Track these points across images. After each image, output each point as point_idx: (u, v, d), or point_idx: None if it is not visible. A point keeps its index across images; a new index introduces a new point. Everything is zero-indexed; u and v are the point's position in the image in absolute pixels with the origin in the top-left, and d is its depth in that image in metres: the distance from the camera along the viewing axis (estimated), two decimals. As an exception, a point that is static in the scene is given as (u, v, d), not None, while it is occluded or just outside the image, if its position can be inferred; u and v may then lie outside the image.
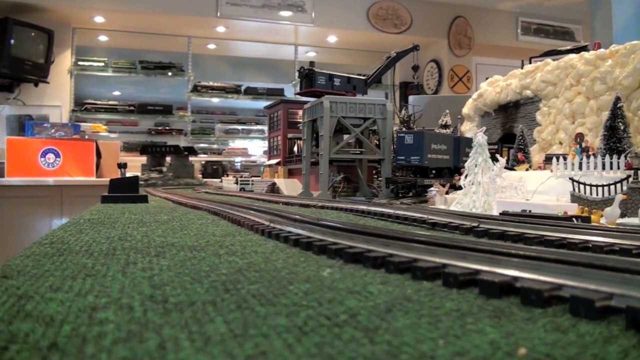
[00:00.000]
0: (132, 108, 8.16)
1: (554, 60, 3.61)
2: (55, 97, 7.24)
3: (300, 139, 4.38)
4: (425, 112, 4.49)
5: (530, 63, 4.00)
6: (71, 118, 7.44)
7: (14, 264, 0.94)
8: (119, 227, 1.60)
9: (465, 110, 4.46)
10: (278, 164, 5.01)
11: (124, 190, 2.90)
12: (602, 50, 3.22)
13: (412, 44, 4.13)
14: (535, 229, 1.30)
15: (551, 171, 2.51)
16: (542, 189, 2.43)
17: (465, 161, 2.47)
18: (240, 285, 0.78)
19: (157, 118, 8.41)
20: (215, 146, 9.02)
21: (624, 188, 2.03)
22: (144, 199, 2.88)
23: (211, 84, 8.36)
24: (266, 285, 0.78)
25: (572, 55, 3.43)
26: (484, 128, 2.62)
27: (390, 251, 0.96)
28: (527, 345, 0.50)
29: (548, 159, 2.88)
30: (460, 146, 3.58)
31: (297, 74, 4.08)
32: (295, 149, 4.87)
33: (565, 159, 2.47)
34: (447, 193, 2.79)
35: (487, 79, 4.39)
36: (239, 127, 9.11)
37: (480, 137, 2.41)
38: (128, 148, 8.11)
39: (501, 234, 1.34)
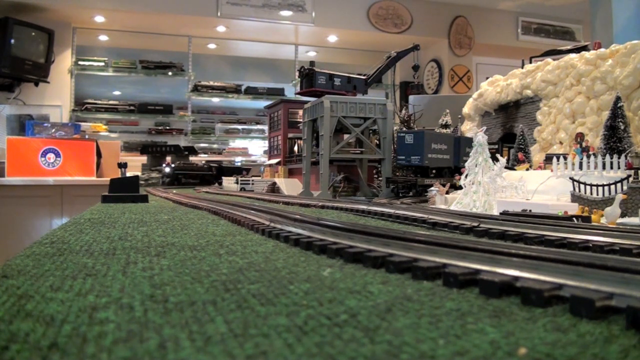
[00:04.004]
0: (132, 108, 8.17)
1: (554, 59, 3.61)
2: (55, 97, 7.24)
3: (300, 138, 4.38)
4: (426, 111, 4.49)
5: (530, 63, 4.00)
6: (71, 118, 7.44)
7: (14, 264, 0.94)
8: (119, 226, 1.60)
9: (466, 109, 4.46)
10: (278, 163, 5.01)
11: (124, 189, 2.90)
12: (602, 50, 3.22)
13: (413, 43, 4.13)
14: (536, 228, 1.30)
15: (551, 171, 2.51)
16: (542, 189, 2.43)
17: (466, 161, 2.47)
18: (241, 285, 0.78)
19: (157, 118, 8.42)
20: (215, 146, 9.02)
21: (624, 188, 2.03)
22: (144, 199, 2.89)
23: (211, 83, 8.36)
24: (266, 284, 0.78)
25: (573, 55, 3.43)
26: (485, 127, 2.61)
27: (391, 251, 0.96)
28: (528, 345, 0.50)
29: (548, 159, 2.87)
30: (461, 146, 3.58)
31: (297, 73, 4.08)
32: (296, 148, 4.87)
33: (565, 158, 2.47)
34: (447, 193, 2.79)
35: (487, 78, 4.39)
36: (239, 126, 9.12)
37: (480, 137, 2.41)
38: (128, 148, 8.11)
39: (501, 234, 1.34)
